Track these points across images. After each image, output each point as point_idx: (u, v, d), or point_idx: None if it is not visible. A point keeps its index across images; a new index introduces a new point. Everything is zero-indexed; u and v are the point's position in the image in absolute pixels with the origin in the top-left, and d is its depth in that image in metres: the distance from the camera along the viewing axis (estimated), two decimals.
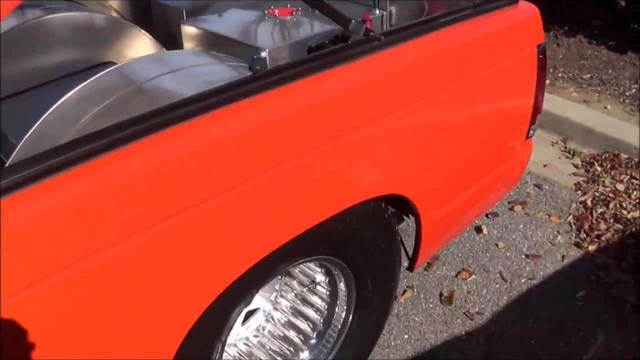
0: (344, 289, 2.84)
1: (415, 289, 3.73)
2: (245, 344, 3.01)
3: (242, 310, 2.46)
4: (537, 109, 3.07)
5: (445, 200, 2.88)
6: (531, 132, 3.15)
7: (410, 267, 3.02)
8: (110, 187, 1.77)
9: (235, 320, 2.44)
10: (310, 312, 3.00)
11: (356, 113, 2.32)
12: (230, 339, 2.93)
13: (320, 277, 2.90)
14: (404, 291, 3.71)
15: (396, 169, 2.55)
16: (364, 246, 2.70)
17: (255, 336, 3.04)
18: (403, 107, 2.46)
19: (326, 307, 2.95)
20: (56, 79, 2.98)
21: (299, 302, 3.03)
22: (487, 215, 4.20)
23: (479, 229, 4.11)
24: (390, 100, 2.42)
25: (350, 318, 2.90)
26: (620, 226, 4.04)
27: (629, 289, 3.62)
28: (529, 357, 3.34)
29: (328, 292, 2.92)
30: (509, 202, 4.32)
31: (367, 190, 2.46)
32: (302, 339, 2.98)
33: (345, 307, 2.89)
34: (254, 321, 3.03)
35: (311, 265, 2.86)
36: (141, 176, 1.83)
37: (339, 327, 2.93)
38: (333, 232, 2.50)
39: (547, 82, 5.58)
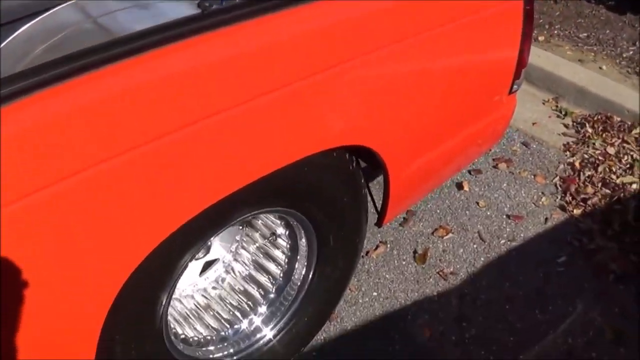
0: (304, 244, 2.54)
1: (388, 245, 3.41)
2: (203, 295, 2.74)
3: (189, 260, 2.16)
4: (522, 63, 2.70)
5: (416, 153, 2.53)
6: (515, 87, 2.79)
7: (379, 223, 2.71)
8: (53, 122, 1.57)
9: (183, 271, 2.17)
10: (271, 266, 2.70)
11: (317, 57, 2.00)
12: (187, 290, 2.68)
13: (280, 230, 2.60)
14: (377, 246, 3.39)
15: (361, 118, 2.21)
16: (325, 199, 2.38)
17: (214, 288, 2.76)
18: (371, 52, 2.12)
19: (286, 261, 2.65)
20: (20, 17, 2.69)
21: (260, 255, 2.74)
22: (469, 172, 3.86)
23: (460, 186, 3.77)
24: (357, 44, 2.08)
25: (311, 274, 2.60)
26: (608, 191, 3.69)
27: (612, 258, 3.29)
28: (502, 322, 3.03)
29: (288, 246, 2.62)
30: (493, 159, 3.97)
31: (328, 139, 2.13)
32: (262, 293, 2.70)
33: (305, 263, 2.59)
34: (212, 272, 2.75)
35: (271, 217, 2.56)
36: (83, 113, 1.61)
37: (299, 282, 2.63)
38: (290, 182, 2.20)
39: (542, 38, 5.21)
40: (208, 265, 2.74)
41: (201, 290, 2.74)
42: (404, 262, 3.32)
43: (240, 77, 1.84)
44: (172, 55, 1.73)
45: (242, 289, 2.74)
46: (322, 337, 2.97)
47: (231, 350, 2.59)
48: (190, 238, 2.07)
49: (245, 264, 2.76)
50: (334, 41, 2.03)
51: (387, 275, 3.25)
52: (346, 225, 2.53)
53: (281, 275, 2.67)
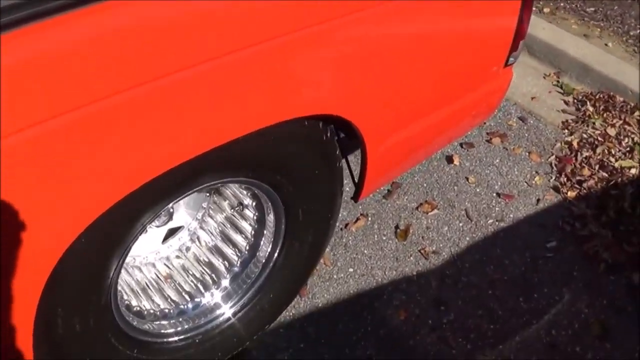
0: (271, 217, 2.27)
1: (369, 218, 3.14)
2: (165, 264, 2.50)
3: (143, 228, 1.90)
4: (520, 34, 2.38)
5: (397, 125, 2.24)
6: (511, 59, 2.47)
7: (355, 198, 2.45)
8: None
9: (134, 240, 1.91)
10: (238, 238, 2.45)
11: (287, 17, 1.73)
12: (149, 258, 2.45)
13: (247, 200, 2.35)
14: (357, 219, 3.12)
15: (335, 85, 1.94)
16: (294, 171, 2.10)
17: (178, 257, 2.51)
18: (350, 14, 1.84)
19: (253, 233, 2.39)
20: None
21: (227, 225, 2.48)
22: (461, 145, 3.58)
23: (449, 159, 3.48)
24: (334, 5, 1.80)
25: (278, 249, 2.34)
26: (605, 174, 3.41)
27: (605, 246, 3.02)
28: (483, 308, 2.78)
29: (255, 218, 2.36)
30: (487, 133, 3.68)
31: (297, 107, 1.87)
32: (227, 266, 2.45)
33: (272, 237, 2.32)
34: (176, 240, 2.50)
35: (237, 186, 2.30)
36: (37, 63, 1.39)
37: (265, 257, 2.37)
38: (255, 152, 1.94)
39: (548, 10, 4.89)
40: (172, 232, 2.49)
41: (164, 258, 2.50)
42: (384, 238, 3.06)
43: (205, 33, 1.59)
44: (132, 7, 1.48)
45: (206, 260, 2.49)
46: (292, 313, 2.73)
47: (186, 327, 2.34)
48: (143, 204, 1.82)
49: (212, 234, 2.51)
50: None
51: (365, 251, 3.00)
52: (317, 200, 2.26)
53: (247, 248, 2.41)
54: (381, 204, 3.20)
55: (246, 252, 2.41)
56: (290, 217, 2.24)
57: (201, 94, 1.65)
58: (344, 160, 2.38)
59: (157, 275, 2.48)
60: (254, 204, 2.31)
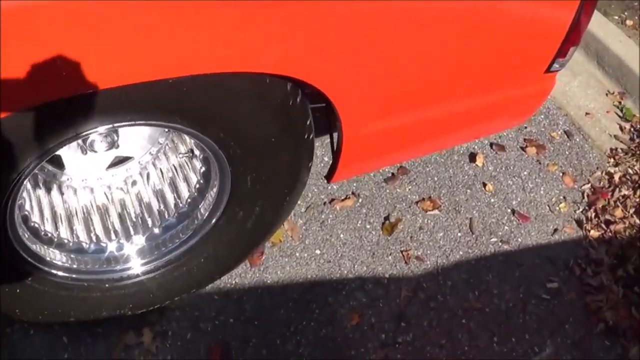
0: (217, 176, 1.89)
1: (360, 200, 2.70)
2: (105, 193, 2.16)
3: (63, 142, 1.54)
4: (572, 38, 1.88)
5: (390, 109, 1.80)
6: (555, 65, 1.97)
7: (327, 178, 2.03)
8: None
9: (51, 152, 1.56)
10: (184, 188, 2.09)
11: None
12: (88, 181, 2.14)
13: (197, 151, 1.96)
14: (346, 197, 2.68)
15: (306, 45, 1.50)
16: (243, 132, 1.68)
17: (120, 189, 2.17)
18: None
19: (197, 187, 2.02)
20: None
21: (178, 171, 2.11)
22: (491, 145, 3.09)
23: (473, 157, 2.99)
24: None
25: (219, 212, 1.94)
26: (638, 222, 2.93)
27: (611, 304, 2.54)
28: (448, 339, 2.36)
29: (202, 171, 1.97)
30: (525, 140, 3.18)
31: (251, 60, 1.45)
32: (165, 214, 2.11)
33: (214, 198, 1.93)
34: (123, 170, 2.15)
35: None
36: None
37: (204, 216, 1.99)
38: (198, 99, 1.54)
39: (631, 23, 4.27)
40: (122, 162, 2.15)
41: (105, 186, 2.15)
42: (368, 226, 2.63)
43: None
44: None
45: (147, 201, 2.13)
46: (235, 282, 2.36)
47: (97, 267, 2.01)
48: (73, 117, 1.49)
49: (162, 175, 2.14)
50: None
51: (341, 235, 2.57)
52: (273, 171, 1.82)
53: (188, 201, 2.03)
54: (379, 188, 2.76)
55: (186, 206, 2.03)
56: (236, 181, 1.82)
57: (145, 18, 1.29)
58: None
59: (91, 204, 2.12)
60: (201, 156, 1.91)
